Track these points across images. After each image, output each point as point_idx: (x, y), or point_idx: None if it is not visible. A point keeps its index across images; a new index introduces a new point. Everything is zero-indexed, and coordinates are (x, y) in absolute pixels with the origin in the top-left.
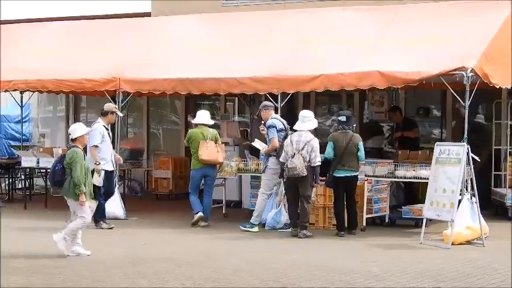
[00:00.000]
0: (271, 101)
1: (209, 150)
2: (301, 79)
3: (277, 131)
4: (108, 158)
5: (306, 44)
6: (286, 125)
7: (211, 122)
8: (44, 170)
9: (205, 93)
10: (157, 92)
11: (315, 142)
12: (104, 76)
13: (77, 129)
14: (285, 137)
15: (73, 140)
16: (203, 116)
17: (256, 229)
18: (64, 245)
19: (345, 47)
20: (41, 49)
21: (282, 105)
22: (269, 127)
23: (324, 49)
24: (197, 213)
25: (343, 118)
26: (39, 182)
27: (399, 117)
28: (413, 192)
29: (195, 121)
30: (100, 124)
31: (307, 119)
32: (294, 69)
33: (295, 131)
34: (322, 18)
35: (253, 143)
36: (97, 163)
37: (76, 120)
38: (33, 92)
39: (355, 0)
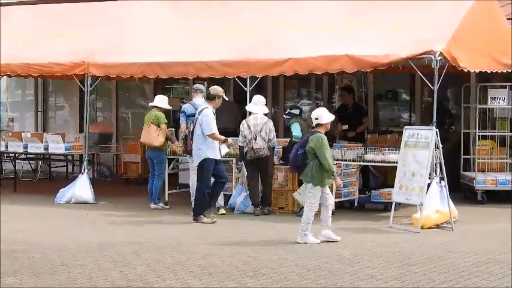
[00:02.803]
0: (241, 85)
1: (147, 133)
2: (270, 63)
3: (187, 116)
4: (216, 145)
5: (275, 27)
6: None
7: (163, 106)
8: (13, 154)
9: (173, 77)
10: (125, 76)
11: (271, 123)
12: (73, 60)
13: (325, 115)
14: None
15: (317, 125)
16: (156, 99)
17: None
18: (313, 238)
19: (313, 31)
20: (10, 33)
21: (251, 88)
22: (181, 112)
23: (293, 32)
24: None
25: (297, 111)
26: (8, 166)
27: (350, 100)
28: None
29: (150, 104)
30: (210, 110)
31: (261, 103)
32: (263, 52)
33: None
34: (291, 1)
35: None
36: (226, 140)
37: (45, 104)
38: (2, 76)
39: None
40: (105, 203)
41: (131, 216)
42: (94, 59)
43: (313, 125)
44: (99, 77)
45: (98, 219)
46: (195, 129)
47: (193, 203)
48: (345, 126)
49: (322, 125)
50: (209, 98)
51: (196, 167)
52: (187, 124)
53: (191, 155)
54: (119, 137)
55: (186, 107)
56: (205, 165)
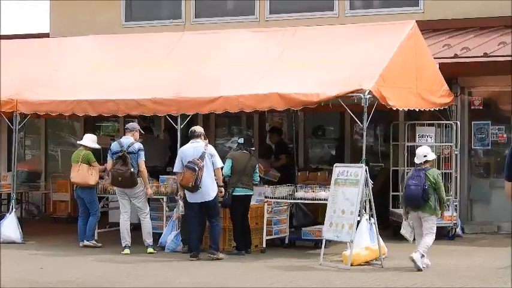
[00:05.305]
0: (172, 123)
1: (79, 173)
2: (201, 101)
3: (112, 153)
4: None
5: (206, 65)
6: (125, 147)
7: (90, 145)
8: None
9: (103, 115)
10: (54, 114)
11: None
12: (1, 98)
13: (431, 152)
14: (119, 158)
15: (426, 162)
16: (84, 139)
17: (126, 251)
18: (421, 262)
19: (244, 68)
20: None
21: (182, 126)
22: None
23: (224, 70)
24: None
25: (241, 140)
26: None
27: (275, 139)
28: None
29: (78, 142)
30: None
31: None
32: (194, 90)
33: None
34: (222, 39)
35: None
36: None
37: None
38: None
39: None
40: (33, 243)
41: (59, 256)
42: (22, 96)
43: (421, 161)
44: (28, 114)
45: (25, 259)
46: (204, 164)
47: (125, 241)
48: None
49: (429, 161)
50: (196, 136)
51: (210, 202)
52: (112, 161)
53: (195, 192)
54: (47, 175)
55: (113, 145)
56: (217, 199)
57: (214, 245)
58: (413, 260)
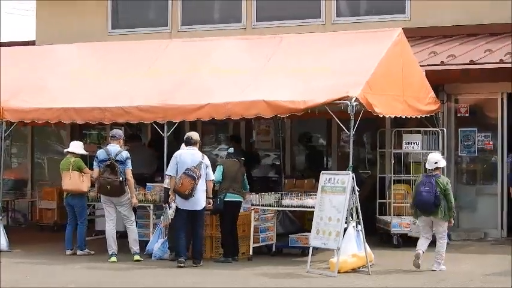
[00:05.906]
0: (159, 130)
1: (71, 180)
2: (188, 108)
3: (99, 161)
4: None
5: (193, 73)
6: (112, 155)
7: (79, 152)
8: None
9: (90, 123)
10: (41, 122)
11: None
12: None
13: (442, 159)
14: (107, 166)
15: (436, 168)
16: (71, 146)
17: (113, 259)
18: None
19: (231, 76)
20: None
21: (168, 134)
22: (94, 157)
23: (211, 78)
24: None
25: (231, 150)
26: None
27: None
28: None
29: (65, 150)
30: None
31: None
32: (181, 98)
33: None
34: (208, 47)
35: None
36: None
37: None
38: None
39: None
40: (19, 251)
41: (46, 264)
42: (9, 103)
43: (432, 167)
44: (14, 122)
45: (11, 268)
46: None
47: (112, 249)
48: None
49: (439, 168)
50: (192, 143)
51: (199, 212)
52: (99, 169)
53: (188, 199)
54: (34, 183)
55: (99, 153)
56: (205, 210)
57: (198, 254)
58: (436, 270)
